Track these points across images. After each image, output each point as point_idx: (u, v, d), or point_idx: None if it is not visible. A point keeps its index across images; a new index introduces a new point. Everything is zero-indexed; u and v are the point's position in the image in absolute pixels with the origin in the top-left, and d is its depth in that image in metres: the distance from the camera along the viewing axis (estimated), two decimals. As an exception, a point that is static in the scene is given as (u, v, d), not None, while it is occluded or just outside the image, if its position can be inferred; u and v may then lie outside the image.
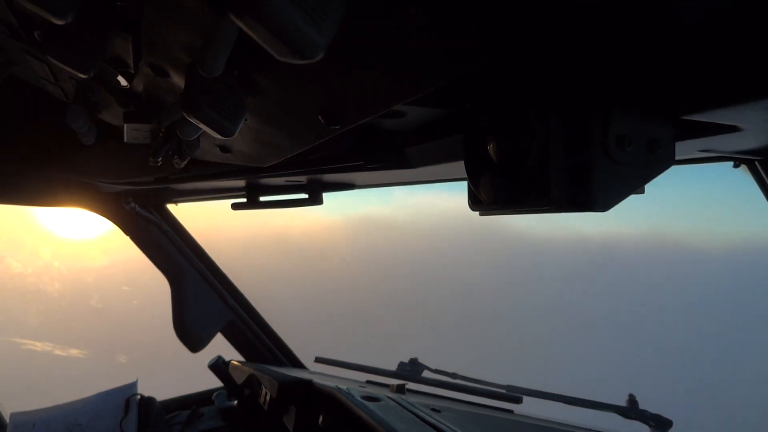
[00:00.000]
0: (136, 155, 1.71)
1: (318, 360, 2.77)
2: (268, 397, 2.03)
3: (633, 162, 0.71)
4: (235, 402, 2.67)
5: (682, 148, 0.90)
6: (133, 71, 0.89)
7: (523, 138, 0.76)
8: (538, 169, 0.72)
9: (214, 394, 2.76)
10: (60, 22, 0.58)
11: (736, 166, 1.32)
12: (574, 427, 2.10)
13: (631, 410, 2.41)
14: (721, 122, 0.74)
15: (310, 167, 1.35)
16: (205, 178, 1.71)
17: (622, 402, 2.45)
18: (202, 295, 2.63)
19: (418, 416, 1.46)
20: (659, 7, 0.53)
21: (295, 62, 0.41)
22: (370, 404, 1.50)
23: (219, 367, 2.61)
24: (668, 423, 2.37)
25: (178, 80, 0.84)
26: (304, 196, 1.82)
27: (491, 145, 0.82)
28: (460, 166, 1.15)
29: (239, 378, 2.51)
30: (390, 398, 1.63)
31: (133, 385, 2.63)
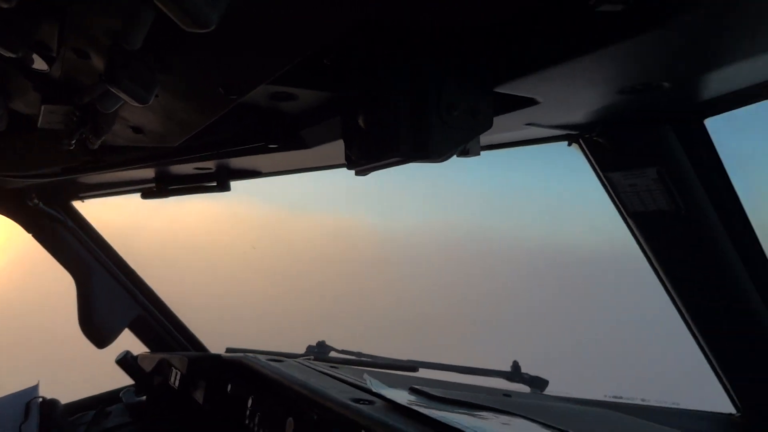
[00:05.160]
0: (43, 146, 1.77)
1: (229, 350, 2.87)
2: (178, 376, 2.13)
3: (460, 124, 0.97)
4: (144, 397, 2.70)
5: (509, 121, 1.19)
6: (55, 55, 1.03)
7: (381, 109, 1.00)
8: (392, 131, 0.97)
9: (122, 392, 2.78)
10: (5, 6, 0.73)
11: (569, 144, 1.63)
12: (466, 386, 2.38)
13: (514, 374, 2.76)
14: (525, 95, 1.02)
15: (215, 150, 1.51)
16: (114, 167, 1.80)
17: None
18: (109, 291, 2.66)
19: (317, 371, 1.66)
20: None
21: (195, 31, 0.60)
22: (274, 365, 1.67)
23: (127, 361, 2.64)
24: (545, 382, 2.75)
25: (97, 62, 0.99)
26: (213, 183, 1.96)
27: (360, 117, 1.05)
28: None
29: (149, 367, 2.57)
30: (294, 361, 1.81)
31: (35, 388, 2.58)
